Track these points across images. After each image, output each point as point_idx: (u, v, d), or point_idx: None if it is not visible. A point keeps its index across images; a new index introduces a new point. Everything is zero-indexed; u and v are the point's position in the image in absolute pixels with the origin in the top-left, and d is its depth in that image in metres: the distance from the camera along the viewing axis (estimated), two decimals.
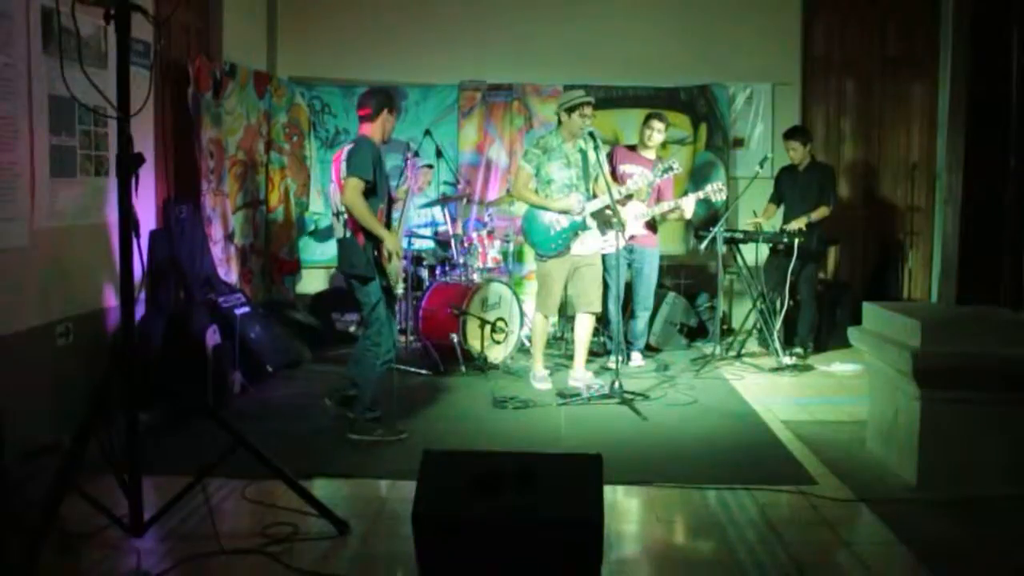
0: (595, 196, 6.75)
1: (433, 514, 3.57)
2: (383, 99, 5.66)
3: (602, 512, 3.53)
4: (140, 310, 6.29)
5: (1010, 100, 4.87)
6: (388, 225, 5.67)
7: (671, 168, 7.12)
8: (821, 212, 7.94)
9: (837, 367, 7.70)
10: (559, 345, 7.98)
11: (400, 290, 5.68)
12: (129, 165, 3.67)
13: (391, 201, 5.80)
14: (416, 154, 6.58)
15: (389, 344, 5.66)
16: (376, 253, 5.48)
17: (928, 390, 4.65)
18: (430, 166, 8.46)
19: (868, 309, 5.45)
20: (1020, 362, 4.58)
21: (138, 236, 3.79)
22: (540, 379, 6.90)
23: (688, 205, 7.50)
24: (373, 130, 5.62)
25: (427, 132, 8.48)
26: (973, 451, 4.65)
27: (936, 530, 4.26)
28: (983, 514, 4.41)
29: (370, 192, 5.44)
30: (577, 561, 3.56)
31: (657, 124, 7.60)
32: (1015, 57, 4.86)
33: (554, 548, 3.55)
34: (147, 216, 6.62)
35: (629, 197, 7.10)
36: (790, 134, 8.16)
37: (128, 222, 3.70)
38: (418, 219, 8.36)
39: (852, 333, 5.52)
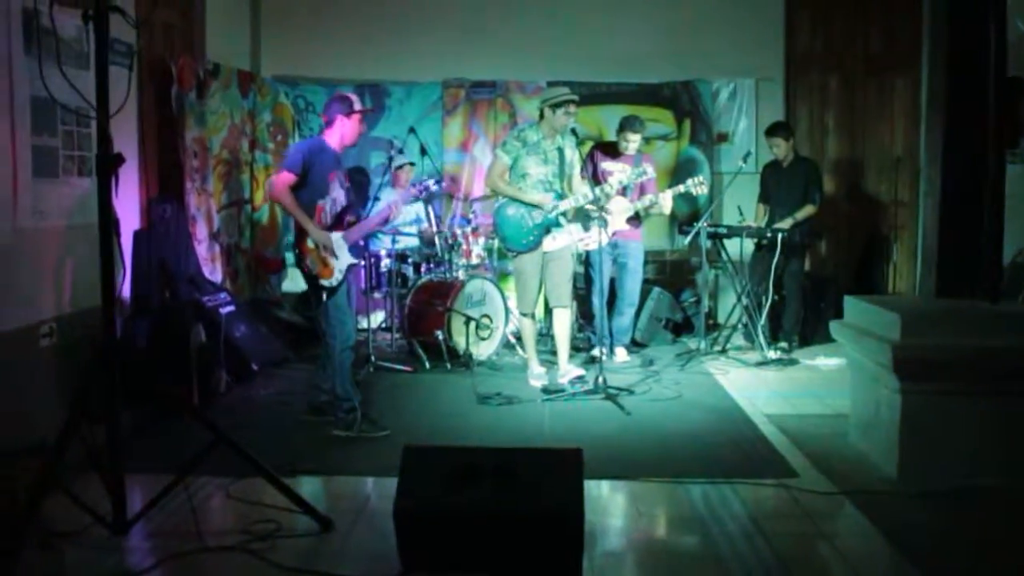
0: (566, 195, 6.77)
1: (414, 509, 3.60)
2: (336, 106, 5.86)
3: (582, 505, 3.56)
4: (125, 310, 6.30)
5: (987, 95, 4.91)
6: (339, 223, 5.81)
7: (644, 173, 7.15)
8: (807, 211, 7.98)
9: (821, 361, 7.73)
10: (544, 341, 7.98)
11: (329, 283, 5.71)
12: (108, 165, 3.68)
13: (349, 206, 5.93)
14: (436, 182, 6.62)
15: (346, 331, 5.79)
16: (298, 244, 5.72)
17: (908, 383, 4.68)
18: (412, 164, 8.50)
19: (849, 303, 5.49)
20: (998, 354, 4.61)
21: (119, 236, 3.80)
22: (537, 376, 6.92)
23: (666, 200, 7.54)
24: (331, 135, 5.86)
25: (411, 130, 8.47)
26: (953, 443, 4.68)
27: (916, 522, 4.28)
28: (963, 506, 4.45)
29: (299, 186, 5.65)
30: (558, 554, 3.59)
31: (631, 135, 7.62)
32: (992, 52, 4.90)
33: (535, 542, 3.57)
34: (131, 216, 6.62)
35: (599, 200, 6.93)
36: (772, 131, 8.17)
37: (108, 222, 3.70)
38: (403, 216, 8.36)
39: (834, 327, 5.56)
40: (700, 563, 3.88)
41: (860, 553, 3.96)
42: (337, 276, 5.74)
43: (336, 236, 5.77)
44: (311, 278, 5.74)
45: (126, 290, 6.34)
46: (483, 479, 3.63)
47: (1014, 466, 4.65)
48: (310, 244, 5.69)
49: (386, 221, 6.33)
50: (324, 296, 5.73)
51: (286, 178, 5.65)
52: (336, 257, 5.74)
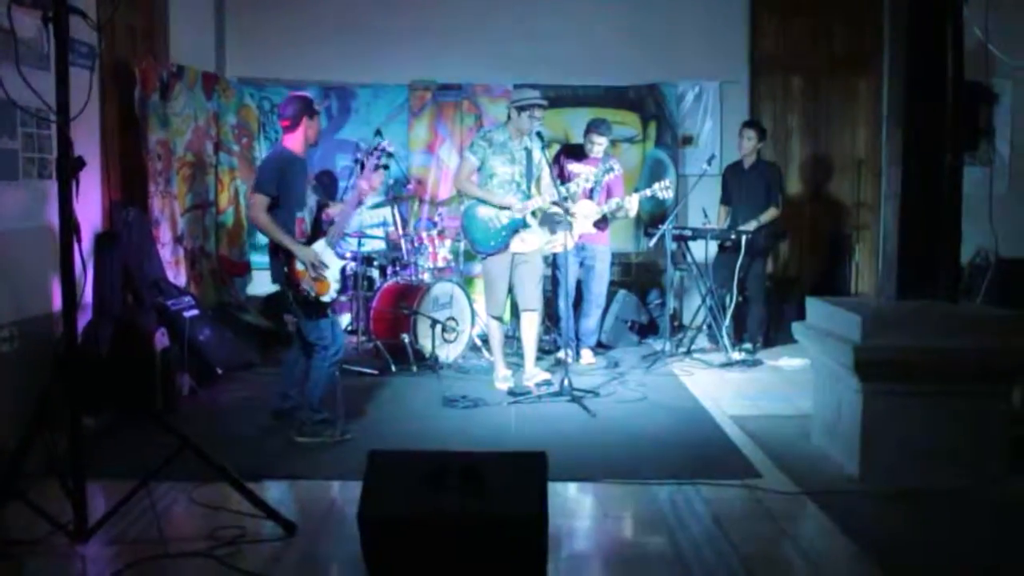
0: (534, 196, 6.79)
1: (379, 514, 3.58)
2: (300, 107, 5.63)
3: (546, 509, 3.57)
4: (87, 314, 6.25)
5: (946, 98, 4.97)
6: (316, 232, 5.67)
7: (611, 169, 7.19)
8: (770, 214, 8.04)
9: (785, 362, 7.79)
10: (510, 344, 7.98)
11: (328, 297, 5.59)
12: (69, 168, 3.65)
13: (321, 207, 5.81)
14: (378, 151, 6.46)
15: (338, 344, 5.70)
16: (287, 268, 5.47)
17: (869, 383, 4.73)
18: (386, 167, 8.46)
19: (811, 304, 5.54)
20: (958, 354, 4.67)
21: (79, 240, 3.77)
22: (503, 378, 6.92)
23: (632, 204, 7.58)
24: (295, 139, 5.63)
25: (378, 132, 8.44)
26: (914, 443, 4.73)
27: (878, 521, 4.34)
28: (924, 505, 4.50)
29: (276, 205, 5.44)
30: (523, 559, 3.59)
31: (597, 138, 7.66)
32: (950, 56, 4.96)
33: (500, 546, 3.57)
34: (94, 219, 6.57)
35: (566, 199, 7.02)
36: (749, 123, 8.29)
37: (68, 226, 3.68)
38: (369, 219, 8.35)
39: (796, 328, 5.60)
40: (664, 564, 3.89)
41: (822, 552, 4.01)
42: (335, 286, 5.62)
43: (320, 244, 5.63)
44: (310, 300, 5.53)
45: (88, 294, 6.28)
46: (447, 484, 3.63)
47: (974, 466, 4.72)
48: (300, 267, 5.47)
49: (359, 203, 6.20)
50: (328, 312, 5.62)
51: (261, 201, 5.39)
52: (327, 267, 5.60)
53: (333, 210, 5.89)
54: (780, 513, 4.42)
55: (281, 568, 3.78)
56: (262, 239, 8.65)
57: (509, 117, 6.74)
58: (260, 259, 8.99)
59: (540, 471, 3.69)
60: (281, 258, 5.48)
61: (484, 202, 6.68)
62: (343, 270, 7.54)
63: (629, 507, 4.59)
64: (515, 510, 3.56)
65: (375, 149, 6.13)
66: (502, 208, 6.64)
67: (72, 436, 3.89)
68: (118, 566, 3.76)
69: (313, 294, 5.52)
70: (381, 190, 8.61)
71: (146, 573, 3.74)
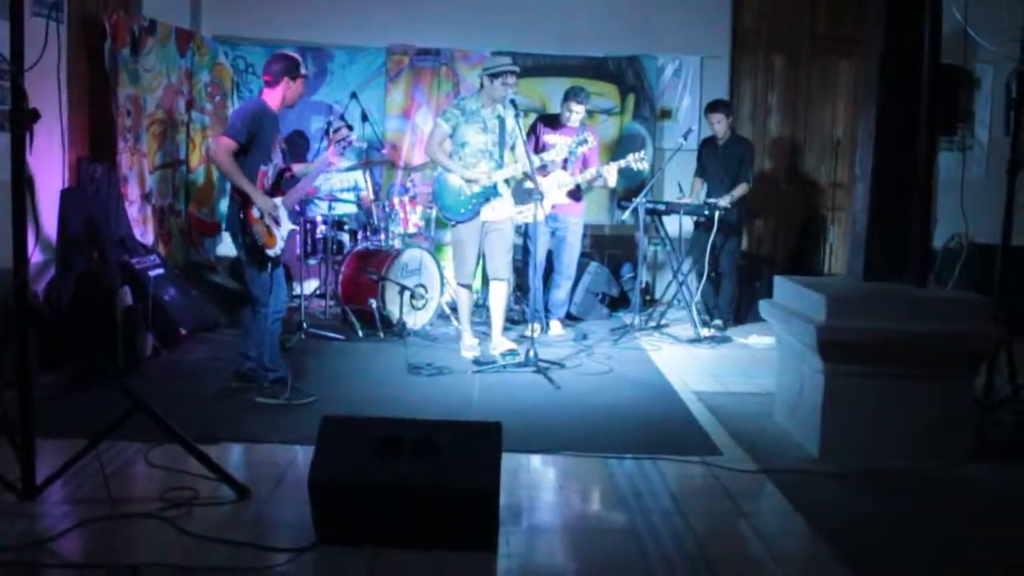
0: (507, 164, 6.74)
1: (329, 480, 3.56)
2: (285, 66, 5.67)
3: (498, 480, 3.55)
4: (51, 271, 6.17)
5: (920, 78, 4.94)
6: (276, 189, 5.69)
7: (585, 141, 7.13)
8: (741, 189, 8.00)
9: (754, 339, 7.78)
10: (479, 313, 7.95)
11: (274, 252, 5.60)
12: (22, 121, 3.57)
13: (285, 170, 5.83)
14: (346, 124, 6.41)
15: (279, 301, 5.72)
16: (243, 214, 5.51)
17: (831, 364, 4.72)
18: (350, 127, 8.39)
19: (779, 283, 5.52)
20: (921, 337, 4.66)
21: (32, 194, 3.70)
22: (470, 347, 6.90)
23: (611, 173, 7.53)
24: (272, 95, 5.68)
25: (353, 95, 8.39)
26: (874, 424, 4.73)
27: (834, 501, 4.33)
28: (882, 486, 4.49)
29: (243, 152, 5.48)
30: (474, 529, 3.57)
31: (575, 106, 7.59)
32: (927, 36, 4.93)
33: (451, 515, 3.56)
34: (58, 174, 6.46)
35: (543, 167, 7.10)
36: (713, 107, 8.17)
37: (21, 179, 3.60)
38: (340, 183, 8.28)
39: (763, 306, 5.59)
40: (617, 538, 3.86)
41: (776, 531, 3.99)
42: (280, 244, 5.63)
43: (277, 202, 5.66)
44: (255, 249, 5.55)
45: (38, 254, 6.15)
46: (401, 451, 3.61)
47: (934, 449, 4.73)
48: (255, 213, 5.51)
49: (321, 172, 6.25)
50: (269, 266, 5.60)
51: (228, 144, 5.42)
52: (279, 224, 5.64)
53: (298, 168, 5.97)
54: (737, 491, 4.41)
55: (231, 531, 3.73)
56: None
57: (482, 85, 6.66)
58: None
59: (495, 441, 3.67)
60: (238, 201, 5.55)
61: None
62: (311, 234, 7.51)
63: (587, 480, 4.57)
64: (467, 480, 3.54)
65: (338, 130, 6.36)
66: (470, 181, 6.59)
67: (21, 391, 3.84)
68: (66, 525, 3.71)
69: (261, 242, 5.54)
70: (354, 154, 8.54)
71: (94, 533, 3.69)
